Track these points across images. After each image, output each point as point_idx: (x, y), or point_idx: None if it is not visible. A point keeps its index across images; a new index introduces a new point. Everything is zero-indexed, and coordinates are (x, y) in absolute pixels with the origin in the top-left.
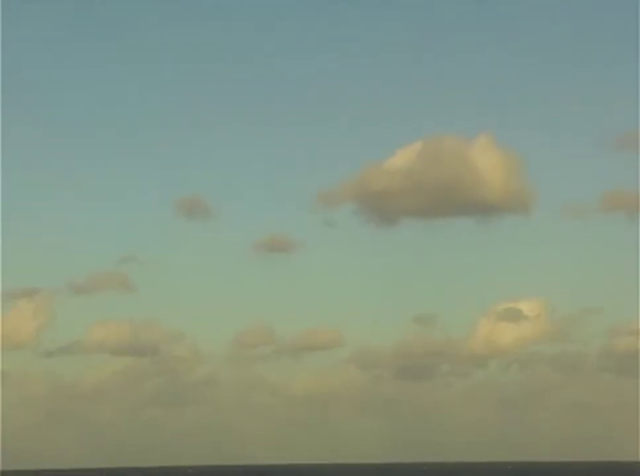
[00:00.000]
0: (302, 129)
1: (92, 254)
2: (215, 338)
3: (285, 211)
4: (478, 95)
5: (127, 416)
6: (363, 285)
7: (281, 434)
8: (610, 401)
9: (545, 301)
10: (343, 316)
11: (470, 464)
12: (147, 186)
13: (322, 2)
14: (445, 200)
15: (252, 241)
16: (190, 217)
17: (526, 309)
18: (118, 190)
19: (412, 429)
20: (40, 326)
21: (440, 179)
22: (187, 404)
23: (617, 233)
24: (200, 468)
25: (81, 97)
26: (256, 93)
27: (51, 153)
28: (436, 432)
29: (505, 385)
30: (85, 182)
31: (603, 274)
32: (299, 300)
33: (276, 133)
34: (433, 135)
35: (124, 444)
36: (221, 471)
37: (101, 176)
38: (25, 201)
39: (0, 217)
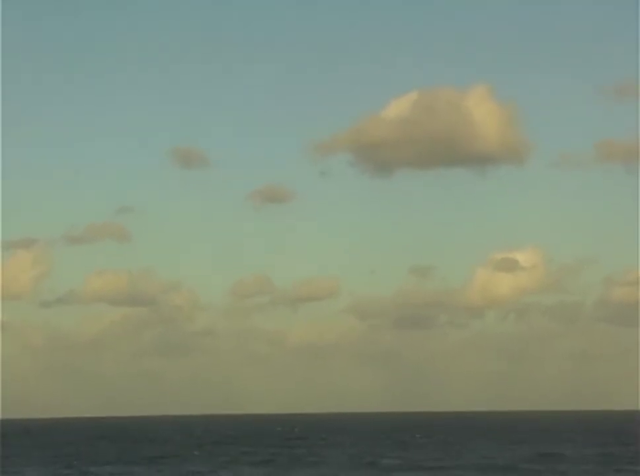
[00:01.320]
0: (298, 79)
1: (89, 205)
2: (212, 288)
3: (281, 162)
4: (474, 45)
5: (126, 366)
6: (360, 235)
7: (279, 383)
8: (607, 350)
9: (541, 251)
10: (340, 266)
11: (467, 413)
12: (143, 136)
13: None
14: (441, 151)
15: (249, 191)
16: (186, 167)
17: (523, 259)
18: (114, 140)
19: (409, 379)
20: (38, 276)
21: (436, 130)
22: (185, 354)
23: (613, 183)
24: (198, 417)
25: (77, 46)
26: (253, 44)
27: (48, 105)
28: (433, 382)
29: (502, 335)
30: (82, 133)
31: (600, 223)
32: (296, 250)
33: (273, 84)
34: (428, 86)
35: (123, 393)
36: (219, 420)
37: (97, 127)
38: (22, 153)
39: None
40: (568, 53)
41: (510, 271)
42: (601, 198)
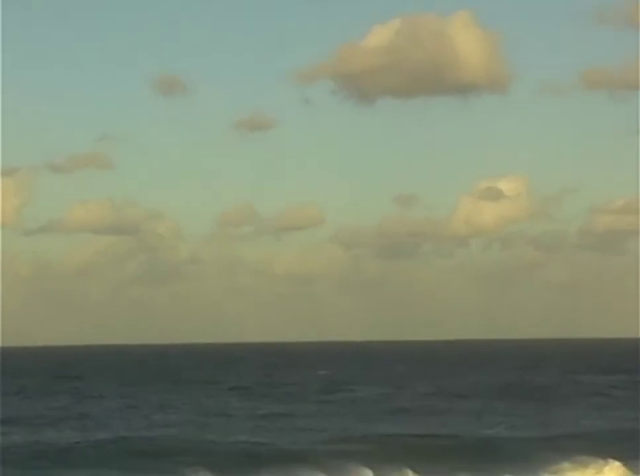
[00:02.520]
0: (280, 5)
1: (70, 133)
2: (196, 217)
3: (263, 90)
4: None
5: (110, 294)
6: (343, 164)
7: (264, 312)
8: (591, 279)
9: (525, 180)
10: (324, 195)
11: (452, 342)
12: (124, 64)
13: None
14: (424, 79)
15: (231, 119)
16: (167, 95)
17: (507, 188)
18: (94, 68)
19: (394, 307)
20: (21, 205)
21: (418, 58)
22: (170, 282)
23: (597, 111)
24: (183, 346)
25: None
26: None
27: (27, 34)
28: (418, 311)
29: (486, 264)
30: (62, 61)
31: (583, 152)
32: (280, 179)
33: (254, 11)
34: (411, 13)
35: (109, 321)
36: (203, 349)
37: (78, 54)
38: (2, 82)
39: None
40: None
41: (494, 200)
42: (585, 125)
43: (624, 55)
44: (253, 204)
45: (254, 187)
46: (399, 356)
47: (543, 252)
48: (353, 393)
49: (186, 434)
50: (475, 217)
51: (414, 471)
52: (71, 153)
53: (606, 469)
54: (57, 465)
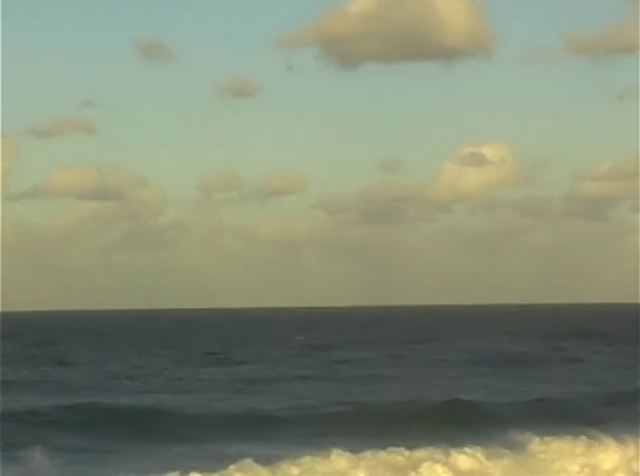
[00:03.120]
0: None
1: (53, 99)
2: (180, 183)
3: (246, 57)
4: None
5: (95, 260)
6: (327, 130)
7: (249, 278)
8: (575, 245)
9: (510, 146)
10: (308, 161)
11: (436, 307)
12: (107, 29)
13: None
14: (408, 44)
15: (215, 86)
16: (151, 60)
17: (491, 153)
18: (78, 33)
19: (378, 273)
20: (4, 170)
21: (402, 22)
22: (155, 248)
23: (581, 77)
24: (167, 311)
25: None
26: None
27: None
28: (403, 276)
29: (471, 230)
30: (45, 27)
31: (567, 118)
32: (264, 145)
33: None
34: None
35: (93, 287)
36: (187, 314)
37: (61, 19)
38: None
39: None
40: None
41: (478, 165)
42: (569, 91)
43: (608, 20)
44: (237, 170)
45: (239, 153)
46: (383, 321)
47: (528, 218)
48: (333, 357)
49: (164, 400)
50: (459, 183)
51: (391, 441)
52: (55, 118)
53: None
54: (34, 430)
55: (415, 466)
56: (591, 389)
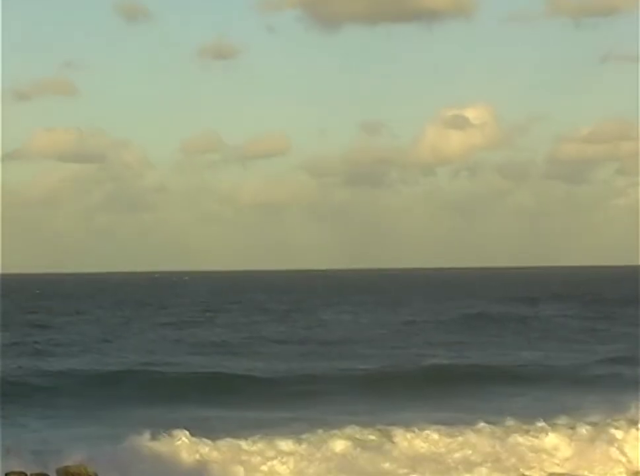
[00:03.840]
0: None
1: (33, 60)
2: (162, 145)
3: (227, 18)
4: None
5: (78, 223)
6: (309, 92)
7: (232, 240)
8: (557, 208)
9: (491, 108)
10: (290, 123)
11: (418, 270)
12: None
13: None
14: (389, 6)
15: (196, 48)
16: (131, 21)
17: (473, 116)
18: None
19: (361, 236)
20: None
21: None
22: (137, 211)
23: (563, 39)
24: (149, 274)
25: None
26: None
27: None
28: (386, 239)
29: (454, 193)
30: None
31: (549, 80)
32: (246, 107)
33: None
34: None
35: (76, 250)
36: (170, 277)
37: None
38: None
39: None
40: None
41: (460, 128)
42: (551, 53)
43: None
44: (219, 132)
45: (220, 115)
46: (364, 283)
47: (510, 181)
48: (314, 320)
49: (145, 363)
50: (441, 145)
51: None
52: (35, 79)
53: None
54: (8, 397)
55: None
56: (555, 353)
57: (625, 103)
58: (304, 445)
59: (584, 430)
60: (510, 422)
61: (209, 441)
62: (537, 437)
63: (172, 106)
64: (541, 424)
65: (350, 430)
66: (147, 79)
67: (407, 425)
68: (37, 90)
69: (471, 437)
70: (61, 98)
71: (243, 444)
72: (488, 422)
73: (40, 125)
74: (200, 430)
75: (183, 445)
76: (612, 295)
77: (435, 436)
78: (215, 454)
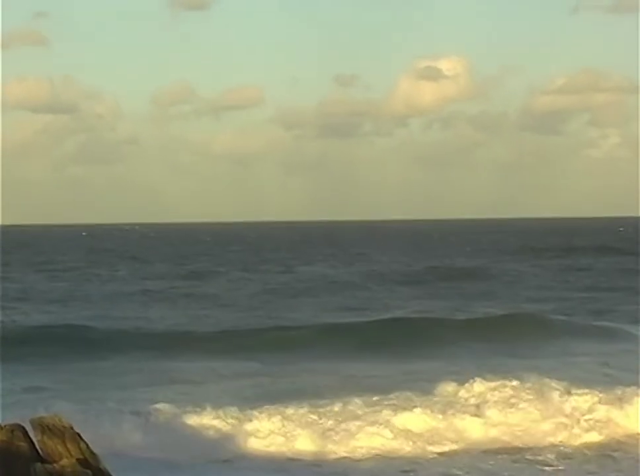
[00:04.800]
0: None
1: (4, 10)
2: (134, 96)
3: None
4: None
5: (51, 174)
6: (282, 43)
7: (205, 192)
8: (530, 159)
9: (465, 60)
10: (263, 75)
11: (392, 221)
12: None
13: None
14: None
15: None
16: None
17: (446, 67)
18: None
19: (336, 187)
20: None
21: None
22: (110, 162)
23: None
24: (123, 225)
25: None
26: None
27: None
28: (360, 191)
29: (427, 144)
30: None
31: (522, 32)
32: (218, 58)
33: None
34: None
35: (49, 201)
36: (143, 229)
37: None
38: None
39: None
40: None
41: (434, 79)
42: (523, 5)
43: None
44: (192, 84)
45: (193, 66)
46: (338, 236)
47: (483, 133)
48: (284, 271)
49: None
50: (414, 97)
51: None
52: (6, 29)
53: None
54: None
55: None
56: (524, 305)
57: (597, 54)
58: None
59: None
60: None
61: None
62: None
63: (144, 57)
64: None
65: None
66: (119, 30)
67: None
68: (8, 41)
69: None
70: (32, 48)
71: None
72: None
73: (12, 75)
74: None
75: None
76: (585, 246)
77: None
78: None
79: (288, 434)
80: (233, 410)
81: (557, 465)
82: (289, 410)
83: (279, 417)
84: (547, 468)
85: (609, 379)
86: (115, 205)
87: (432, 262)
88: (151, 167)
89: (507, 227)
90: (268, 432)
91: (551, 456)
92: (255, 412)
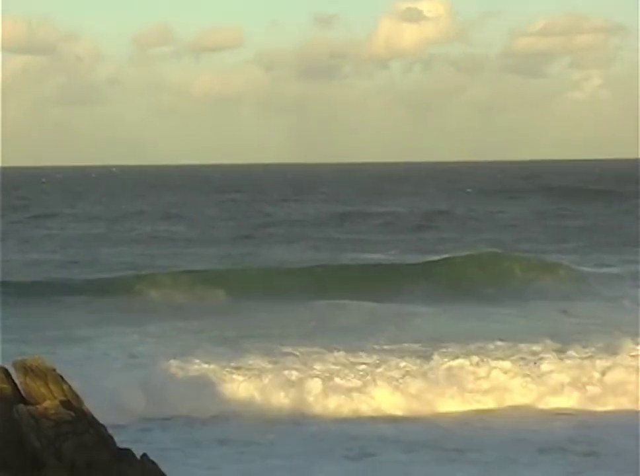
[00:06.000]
0: None
1: None
2: (113, 38)
3: None
4: None
5: (30, 115)
6: None
7: (185, 134)
8: (511, 102)
9: (445, 2)
10: (242, 16)
11: (373, 164)
12: None
13: None
14: None
15: None
16: None
17: (427, 9)
18: None
19: (316, 129)
20: None
21: None
22: (90, 104)
23: None
24: (103, 168)
25: None
26: None
27: None
28: (340, 133)
29: (408, 86)
30: None
31: None
32: (197, 0)
33: None
34: None
35: (28, 143)
36: (123, 171)
37: None
38: None
39: None
40: None
41: (415, 21)
42: None
43: None
44: (171, 25)
45: (172, 8)
46: (318, 178)
47: (465, 75)
48: (258, 212)
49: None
50: (395, 39)
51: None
52: None
53: None
54: None
55: None
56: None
57: None
58: None
59: None
60: None
61: None
62: None
63: None
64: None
65: None
66: None
67: None
68: None
69: None
70: None
71: None
72: None
73: None
74: None
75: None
76: (565, 188)
77: None
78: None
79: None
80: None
81: None
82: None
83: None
84: None
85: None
86: (94, 148)
87: (409, 203)
88: (131, 109)
89: (488, 169)
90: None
91: None
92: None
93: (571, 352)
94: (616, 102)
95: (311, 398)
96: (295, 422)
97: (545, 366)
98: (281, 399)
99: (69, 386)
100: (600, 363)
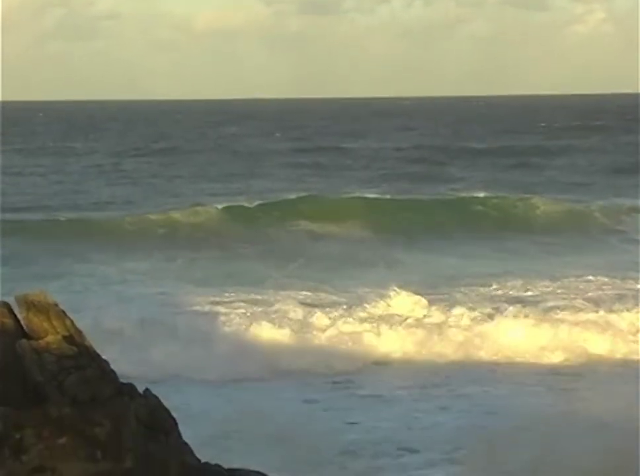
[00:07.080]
0: None
1: None
2: None
3: None
4: None
5: (30, 49)
6: None
7: (188, 68)
8: (514, 35)
9: None
10: None
11: (374, 99)
12: None
13: None
14: None
15: None
16: None
17: None
18: None
19: (319, 63)
20: None
21: None
22: (90, 38)
23: None
24: (102, 102)
25: None
26: None
27: None
28: (343, 66)
29: (409, 20)
30: None
31: None
32: None
33: None
34: None
35: (28, 77)
36: (122, 105)
37: None
38: None
39: None
40: None
41: None
42: None
43: None
44: None
45: None
46: (320, 113)
47: (466, 8)
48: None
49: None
50: None
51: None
52: None
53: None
54: None
55: None
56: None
57: None
58: None
59: None
60: None
61: None
62: None
63: None
64: None
65: None
66: None
67: None
68: None
69: None
70: None
71: None
72: None
73: None
74: None
75: None
76: (565, 124)
77: None
78: None
79: None
80: None
81: None
82: None
83: None
84: None
85: None
86: (93, 81)
87: (415, 140)
88: (131, 43)
89: (491, 104)
90: None
91: None
92: None
93: None
94: (619, 36)
95: None
96: None
97: None
98: None
99: (71, 321)
100: None
